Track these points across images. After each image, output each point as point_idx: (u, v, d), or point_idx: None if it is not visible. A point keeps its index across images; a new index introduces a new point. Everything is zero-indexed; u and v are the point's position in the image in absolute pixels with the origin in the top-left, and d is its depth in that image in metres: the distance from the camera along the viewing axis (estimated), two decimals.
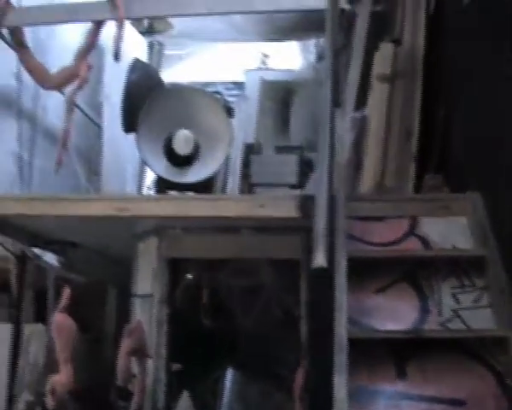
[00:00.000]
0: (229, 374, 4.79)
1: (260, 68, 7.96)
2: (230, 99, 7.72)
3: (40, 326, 5.40)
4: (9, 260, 5.74)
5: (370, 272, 3.49)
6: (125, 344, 4.17)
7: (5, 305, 6.78)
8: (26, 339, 5.41)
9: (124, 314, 5.25)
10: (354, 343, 3.04)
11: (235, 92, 8.22)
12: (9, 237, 5.31)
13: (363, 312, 3.34)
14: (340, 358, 2.98)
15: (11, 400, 5.34)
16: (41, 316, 5.62)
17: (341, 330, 3.07)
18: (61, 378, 4.35)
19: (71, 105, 4.61)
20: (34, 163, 5.20)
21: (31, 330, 5.51)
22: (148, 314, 4.70)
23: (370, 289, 3.46)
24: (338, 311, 3.14)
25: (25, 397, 5.18)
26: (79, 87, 4.57)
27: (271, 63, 8.02)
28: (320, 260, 2.86)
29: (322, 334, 3.47)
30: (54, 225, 4.95)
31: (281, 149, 6.24)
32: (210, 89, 8.33)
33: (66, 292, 4.58)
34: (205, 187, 4.87)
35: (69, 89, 4.70)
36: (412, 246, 3.66)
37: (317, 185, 3.31)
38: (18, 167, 5.05)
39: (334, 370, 2.93)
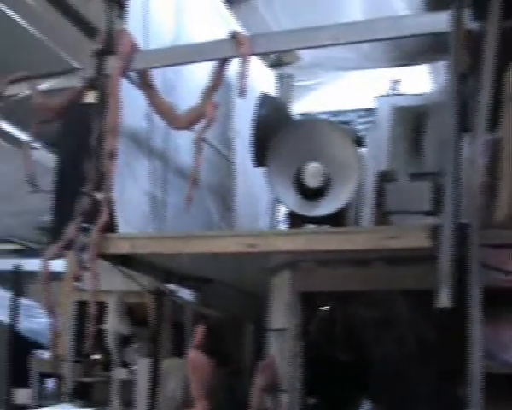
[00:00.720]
0: (366, 408, 4.70)
1: (391, 94, 7.84)
2: (362, 126, 7.64)
3: (178, 360, 5.49)
4: (147, 295, 5.91)
5: (507, 302, 3.34)
6: (259, 381, 4.18)
7: (145, 339, 6.96)
8: (164, 373, 5.52)
9: (260, 349, 5.27)
10: (491, 377, 2.91)
11: (366, 119, 8.15)
12: (145, 274, 5.46)
13: (501, 345, 3.19)
14: (475, 393, 2.86)
15: None
16: (179, 350, 5.72)
17: (476, 365, 2.95)
18: None
19: (200, 144, 4.68)
20: (167, 201, 5.30)
21: (168, 364, 5.62)
22: (282, 348, 4.69)
23: (508, 321, 3.31)
24: (473, 345, 3.02)
25: None
26: (207, 126, 4.64)
27: (402, 88, 7.90)
28: (444, 300, 2.76)
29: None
30: (187, 262, 5.04)
31: (414, 176, 6.11)
32: (341, 117, 8.31)
33: (200, 330, 4.65)
34: (337, 219, 4.82)
35: (198, 127, 4.78)
36: None
37: (444, 215, 3.21)
38: (151, 206, 5.17)
39: (469, 405, 2.82)
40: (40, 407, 7.16)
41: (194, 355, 4.59)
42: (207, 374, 4.51)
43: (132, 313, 6.15)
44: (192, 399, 4.62)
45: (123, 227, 4.85)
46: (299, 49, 6.02)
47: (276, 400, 4.28)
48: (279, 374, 4.38)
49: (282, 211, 5.54)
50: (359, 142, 5.56)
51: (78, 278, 4.86)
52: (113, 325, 5.65)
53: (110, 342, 5.80)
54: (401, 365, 4.64)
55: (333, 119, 7.15)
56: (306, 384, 4.55)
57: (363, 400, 4.72)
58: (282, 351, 4.64)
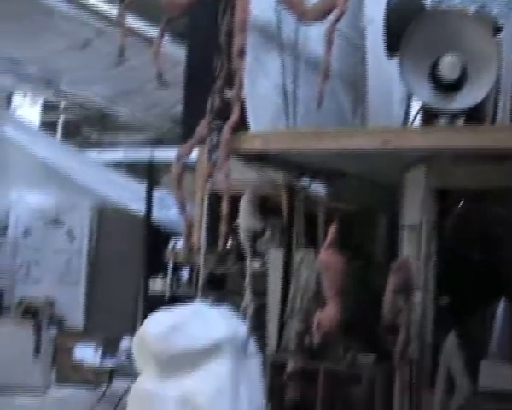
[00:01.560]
0: (503, 307, 4.59)
1: None
2: (500, 11, 7.21)
3: (311, 252, 5.51)
4: (281, 187, 5.93)
5: None
6: (392, 282, 4.13)
7: (278, 231, 7.02)
8: (297, 264, 5.56)
9: (393, 243, 5.22)
10: None
11: (504, 3, 7.68)
12: (277, 169, 5.46)
13: None
14: None
15: (282, 326, 5.55)
16: (312, 242, 5.75)
17: None
18: (328, 314, 4.42)
19: (331, 37, 4.53)
20: (298, 94, 5.22)
21: (302, 255, 5.65)
22: (415, 246, 4.62)
23: None
24: None
25: (295, 325, 5.35)
26: (339, 18, 4.48)
27: None
28: None
29: None
30: (319, 158, 4.99)
31: None
32: (477, 3, 7.86)
33: (333, 228, 4.62)
34: (474, 114, 4.61)
35: (329, 19, 4.62)
36: None
37: None
38: (282, 99, 5.10)
39: None
40: (174, 296, 7.43)
41: (326, 254, 4.58)
42: (340, 273, 4.50)
43: (265, 203, 6.18)
44: (325, 296, 4.64)
45: (254, 124, 4.83)
46: None
47: (410, 300, 4.23)
48: (413, 273, 4.31)
49: (416, 105, 5.34)
50: (498, 30, 5.25)
51: (210, 176, 4.90)
52: (246, 220, 5.70)
53: (242, 236, 5.87)
54: None
55: (468, 5, 6.76)
56: (440, 284, 4.49)
57: (497, 300, 4.60)
58: (416, 249, 4.57)
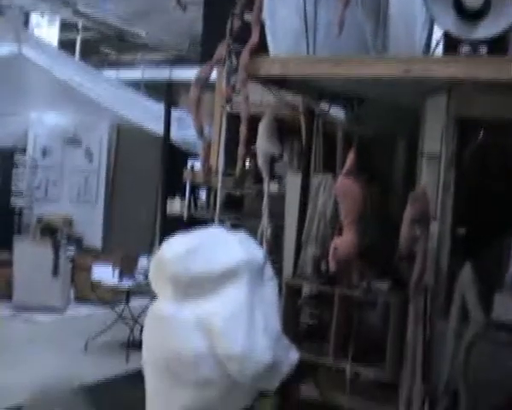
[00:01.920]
0: None
1: None
2: None
3: (329, 177, 5.50)
4: (299, 110, 5.89)
5: None
6: (410, 211, 4.11)
7: (297, 153, 7.00)
8: (315, 189, 5.55)
9: (411, 170, 5.19)
10: None
11: None
12: (296, 93, 5.41)
13: None
14: None
15: (299, 250, 5.57)
16: (330, 167, 5.73)
17: None
18: (345, 242, 4.42)
19: None
20: (318, 19, 5.12)
21: (319, 180, 5.64)
22: (434, 175, 4.58)
23: None
24: None
25: (311, 250, 5.36)
26: None
27: None
28: None
29: None
30: (338, 84, 4.94)
31: None
32: None
33: (351, 156, 4.59)
34: (497, 43, 4.51)
35: None
36: None
37: None
38: (302, 24, 5.01)
39: None
40: (192, 217, 7.45)
41: (345, 183, 4.56)
42: (357, 201, 4.49)
43: (284, 127, 6.15)
44: (342, 223, 4.64)
45: (274, 48, 4.77)
46: None
47: (426, 231, 4.22)
48: (430, 203, 4.29)
49: (439, 33, 5.23)
50: None
51: (228, 99, 4.87)
52: (264, 143, 5.67)
53: (260, 159, 5.85)
54: None
55: None
56: (457, 214, 4.47)
57: None
58: (434, 178, 4.54)
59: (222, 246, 4.20)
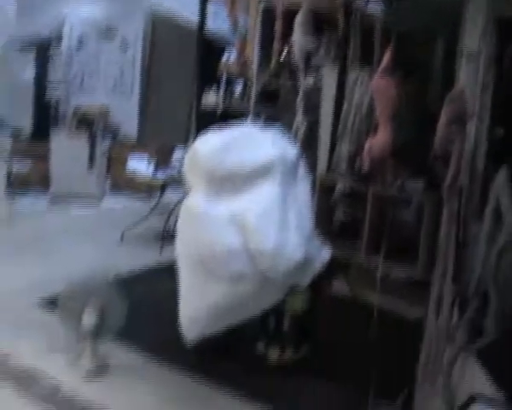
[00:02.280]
0: None
1: None
2: None
3: (365, 72, 5.42)
4: (338, 3, 5.78)
5: None
6: (446, 112, 4.04)
7: (334, 45, 6.87)
8: (351, 84, 5.49)
9: (449, 69, 5.09)
10: None
11: None
12: None
13: None
14: None
15: (333, 146, 5.55)
16: (367, 62, 5.64)
17: None
18: (379, 140, 4.38)
19: None
20: None
21: (356, 75, 5.57)
22: (473, 74, 4.49)
23: None
24: None
25: (345, 147, 5.34)
26: None
27: None
28: None
29: None
30: None
31: None
32: None
33: (388, 54, 4.50)
34: None
35: None
36: None
37: None
38: None
39: None
40: (227, 110, 7.41)
41: (380, 82, 4.48)
42: (393, 100, 4.42)
43: (321, 18, 6.03)
44: (377, 121, 4.59)
45: None
46: None
47: (464, 130, 4.16)
48: (468, 104, 4.22)
49: None
50: None
51: None
52: (300, 38, 5.59)
53: (297, 54, 5.78)
54: None
55: None
56: (495, 115, 4.39)
57: None
58: (472, 77, 4.45)
59: (256, 143, 4.19)
